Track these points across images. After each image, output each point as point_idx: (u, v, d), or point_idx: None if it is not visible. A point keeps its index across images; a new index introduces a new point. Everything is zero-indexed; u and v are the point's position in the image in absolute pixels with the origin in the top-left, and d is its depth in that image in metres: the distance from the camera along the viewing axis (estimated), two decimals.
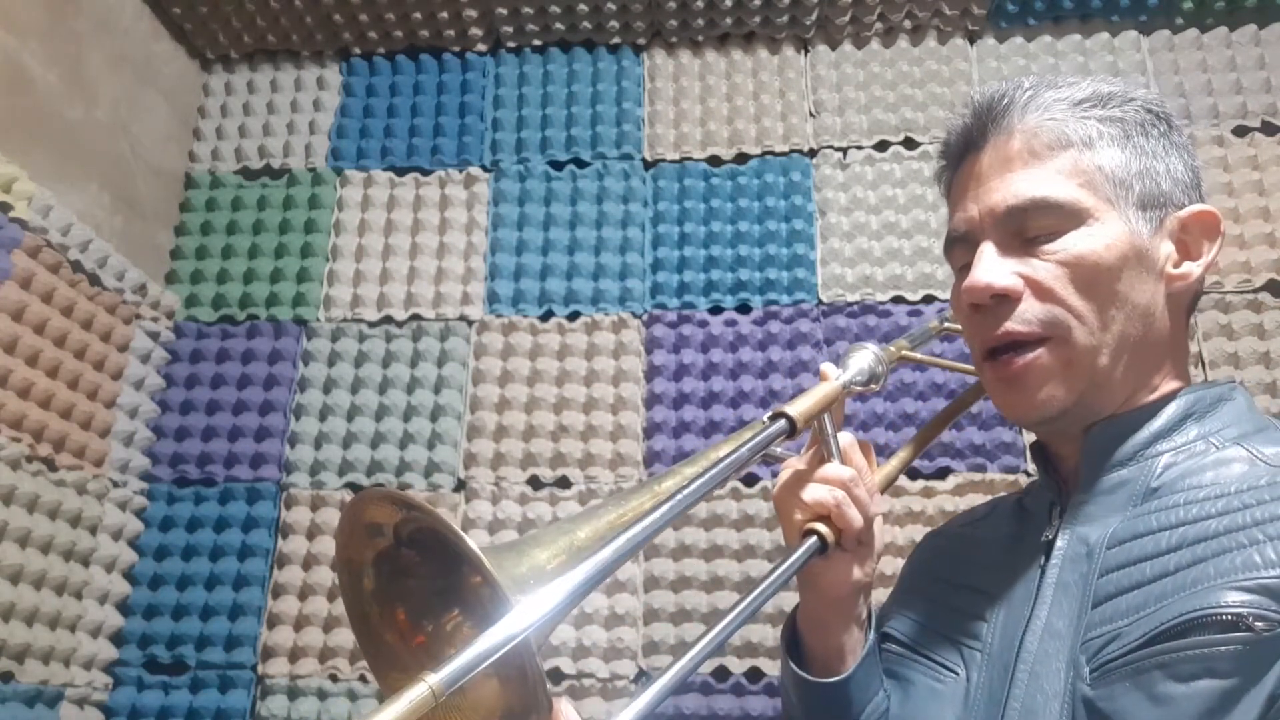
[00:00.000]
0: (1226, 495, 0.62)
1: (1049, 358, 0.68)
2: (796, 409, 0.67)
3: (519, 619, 0.47)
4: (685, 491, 0.57)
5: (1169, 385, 0.71)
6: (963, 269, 0.74)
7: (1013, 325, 0.68)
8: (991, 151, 0.72)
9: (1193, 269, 0.70)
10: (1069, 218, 0.68)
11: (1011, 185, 0.70)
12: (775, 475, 1.66)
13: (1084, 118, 0.70)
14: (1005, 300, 0.69)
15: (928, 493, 1.65)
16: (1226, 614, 0.56)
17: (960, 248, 0.74)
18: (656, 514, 0.55)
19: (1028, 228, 0.69)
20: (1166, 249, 0.70)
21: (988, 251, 0.70)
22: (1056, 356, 0.68)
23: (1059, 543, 0.69)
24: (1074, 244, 0.68)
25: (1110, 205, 0.68)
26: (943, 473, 1.67)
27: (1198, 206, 0.71)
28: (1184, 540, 0.61)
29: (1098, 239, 0.68)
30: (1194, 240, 0.71)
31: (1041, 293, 0.68)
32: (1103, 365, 0.68)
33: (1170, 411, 0.69)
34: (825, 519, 0.70)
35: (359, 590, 0.58)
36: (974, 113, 0.75)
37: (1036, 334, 0.68)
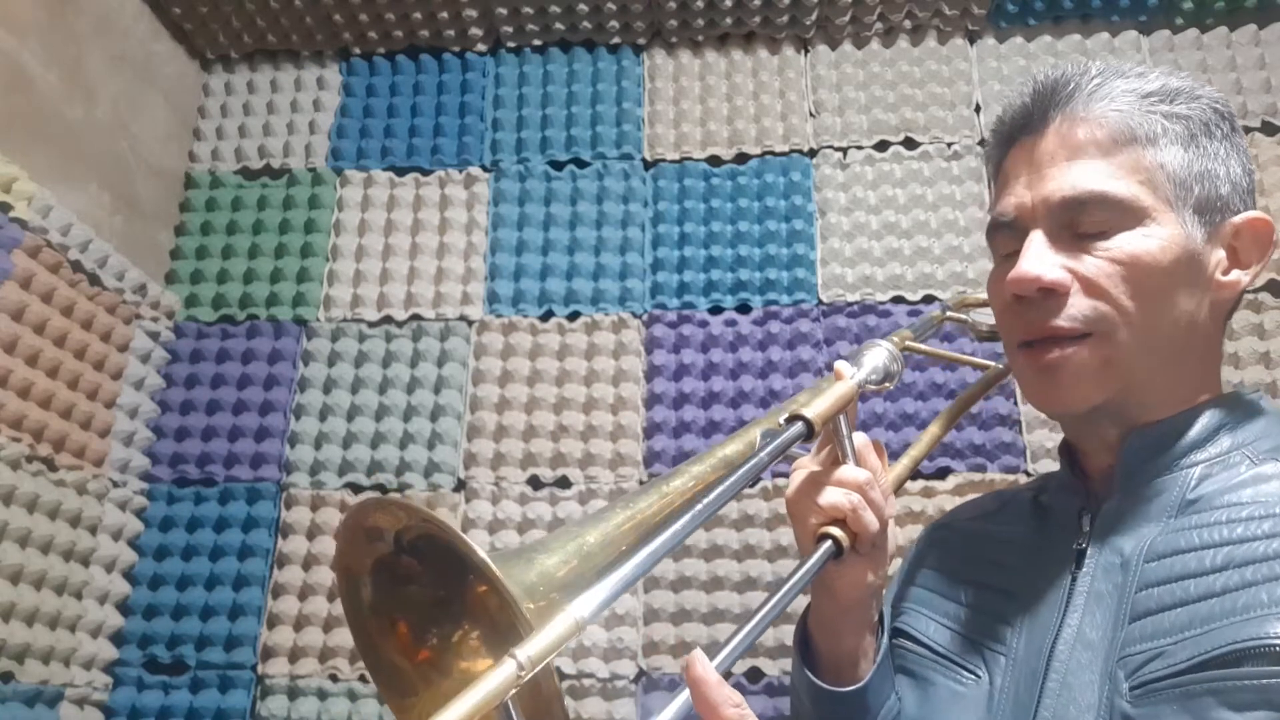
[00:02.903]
0: (1273, 516, 0.61)
1: (1089, 354, 0.67)
2: (813, 411, 0.64)
3: (584, 605, 0.46)
4: (712, 496, 0.55)
5: (1203, 394, 0.70)
6: (1006, 256, 0.72)
7: (1059, 322, 0.67)
8: (1052, 137, 0.70)
9: (1241, 278, 0.69)
10: (1126, 215, 0.66)
11: (1070, 176, 0.68)
12: (775, 476, 1.66)
13: (1150, 112, 0.68)
14: (1052, 294, 0.67)
15: (928, 493, 1.65)
16: None
17: (1006, 234, 0.72)
18: (690, 515, 0.54)
19: (1081, 221, 0.67)
20: (1217, 255, 0.68)
21: (1037, 241, 0.68)
22: (1096, 354, 0.67)
23: (1091, 551, 0.68)
24: (1128, 243, 0.66)
25: (1168, 206, 0.67)
26: (943, 473, 1.67)
27: (1253, 214, 0.69)
28: (1230, 560, 0.60)
29: (1153, 240, 0.66)
30: (1245, 248, 0.69)
31: (1091, 289, 0.66)
32: (1142, 368, 0.67)
33: (1204, 422, 0.68)
34: (840, 523, 0.68)
35: (358, 602, 0.56)
36: (1035, 94, 0.72)
37: (1080, 331, 0.66)
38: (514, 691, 0.44)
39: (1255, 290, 1.69)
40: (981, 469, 1.66)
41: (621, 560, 0.50)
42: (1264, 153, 1.77)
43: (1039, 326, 0.68)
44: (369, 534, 0.55)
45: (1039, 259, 0.67)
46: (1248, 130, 1.79)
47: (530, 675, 0.43)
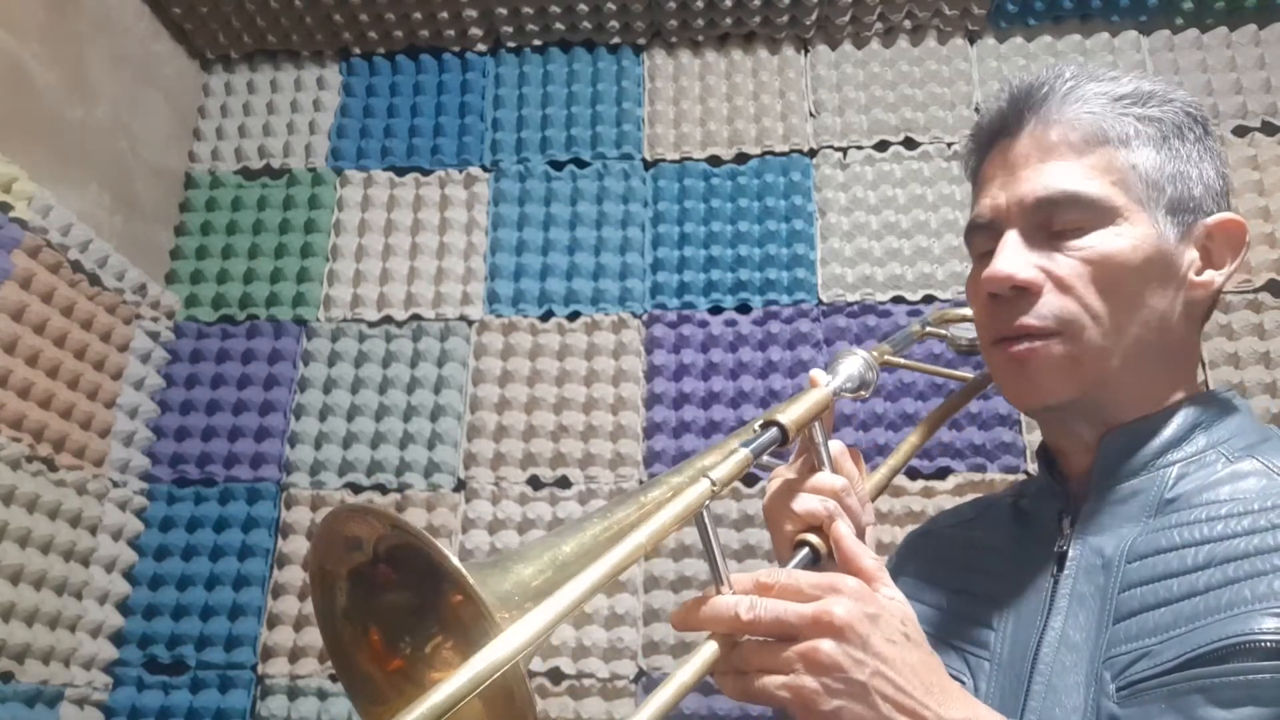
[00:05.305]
0: (1251, 513, 0.61)
1: (1057, 350, 0.67)
2: (788, 416, 0.65)
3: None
4: (667, 516, 0.55)
5: (1179, 393, 0.71)
6: (982, 256, 0.73)
7: (1028, 320, 0.68)
8: (1027, 139, 0.71)
9: (1214, 278, 0.70)
10: (1098, 215, 0.67)
11: (1043, 177, 0.69)
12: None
13: (1122, 114, 0.69)
14: (1025, 293, 0.68)
15: (928, 493, 1.65)
16: (1267, 641, 0.55)
17: (983, 234, 0.73)
18: (654, 523, 0.54)
19: (1055, 221, 0.68)
20: (1190, 256, 0.69)
21: (1011, 241, 0.69)
22: (1065, 351, 0.67)
23: (1072, 552, 0.68)
24: (1100, 242, 0.67)
25: (1140, 207, 0.68)
26: (943, 473, 1.67)
27: (1226, 215, 0.70)
28: (1212, 558, 0.60)
29: (1125, 239, 0.67)
30: (1218, 249, 0.70)
31: (1062, 288, 0.67)
32: (1114, 367, 0.68)
33: (1179, 421, 0.68)
34: (816, 530, 0.67)
35: (331, 609, 0.56)
36: (1011, 98, 0.73)
37: (1050, 329, 0.67)
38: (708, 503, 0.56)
39: (1255, 290, 1.69)
40: (981, 469, 1.66)
41: (558, 580, 0.51)
42: (1264, 153, 1.77)
43: (1011, 324, 0.69)
44: (347, 543, 0.54)
45: (1012, 258, 0.68)
46: (1246, 130, 1.79)
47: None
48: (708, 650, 0.56)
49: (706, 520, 0.58)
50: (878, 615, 0.57)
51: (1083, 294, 0.67)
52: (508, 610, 0.49)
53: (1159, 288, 0.68)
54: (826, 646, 0.55)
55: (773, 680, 0.56)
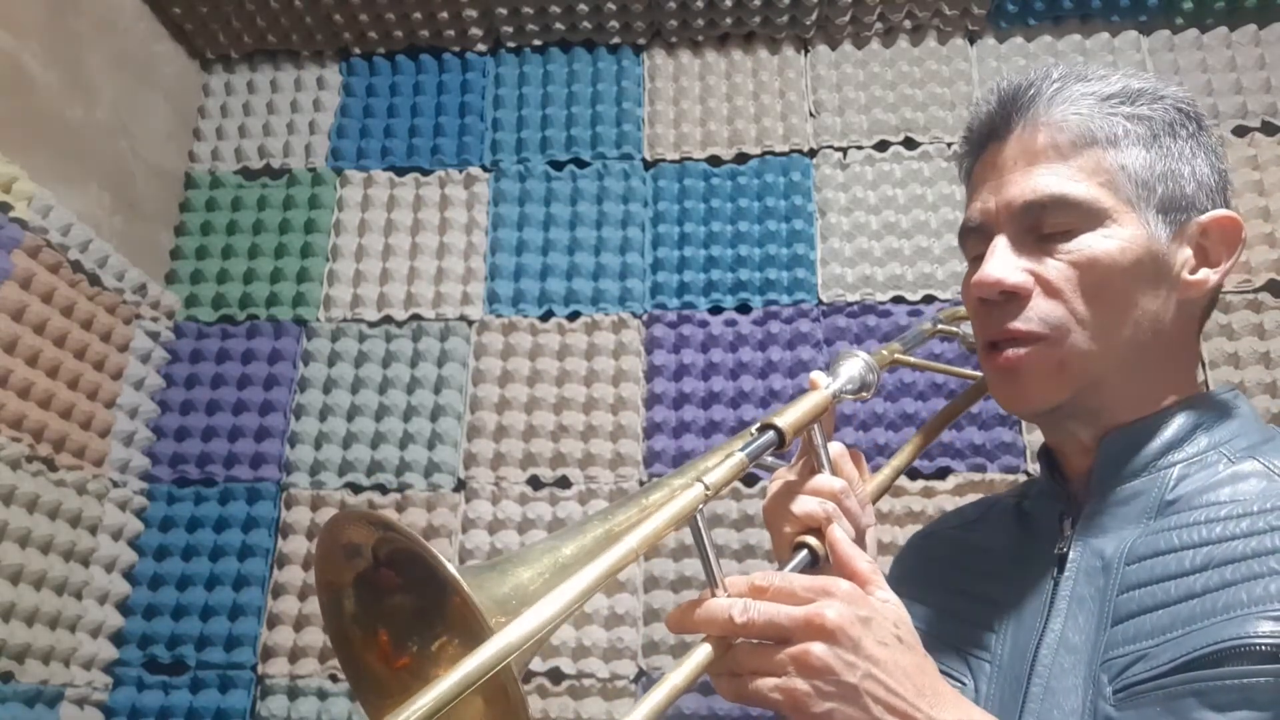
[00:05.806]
0: (1250, 515, 0.61)
1: (1042, 355, 0.67)
2: (785, 420, 0.65)
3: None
4: (660, 520, 0.56)
5: (1177, 394, 0.70)
6: (975, 260, 0.73)
7: (1016, 324, 0.68)
8: (1015, 143, 0.71)
9: (1209, 276, 0.69)
10: (1086, 217, 0.67)
11: (1031, 180, 0.69)
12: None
13: (1111, 114, 0.69)
14: (1014, 297, 0.68)
15: (928, 493, 1.66)
16: (1263, 644, 0.55)
17: (974, 238, 0.73)
18: (649, 527, 0.55)
19: (1043, 224, 0.68)
20: (1184, 254, 0.68)
21: (1000, 246, 0.69)
22: (1050, 355, 0.67)
23: (1072, 554, 0.68)
24: (1089, 245, 0.67)
25: (1130, 207, 0.67)
26: (943, 473, 1.67)
27: (1220, 212, 0.69)
28: (1210, 561, 0.60)
29: (1113, 241, 0.66)
30: (1213, 246, 0.69)
31: (1050, 292, 0.67)
32: (1101, 369, 0.67)
33: (1180, 421, 0.68)
34: (815, 531, 0.67)
35: (339, 614, 0.56)
36: (999, 100, 0.73)
37: (1037, 333, 0.67)
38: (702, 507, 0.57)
39: (1255, 290, 1.69)
40: (981, 469, 1.66)
41: (557, 584, 0.51)
42: (1264, 153, 1.77)
43: (1000, 328, 0.69)
44: (346, 550, 0.55)
45: (1002, 263, 0.68)
46: (1246, 130, 1.79)
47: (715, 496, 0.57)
48: (702, 652, 0.56)
49: (700, 524, 0.58)
50: (870, 618, 0.57)
51: (1069, 297, 0.67)
52: (504, 614, 0.49)
53: (1150, 288, 0.67)
54: (818, 649, 0.55)
55: (765, 683, 0.56)
